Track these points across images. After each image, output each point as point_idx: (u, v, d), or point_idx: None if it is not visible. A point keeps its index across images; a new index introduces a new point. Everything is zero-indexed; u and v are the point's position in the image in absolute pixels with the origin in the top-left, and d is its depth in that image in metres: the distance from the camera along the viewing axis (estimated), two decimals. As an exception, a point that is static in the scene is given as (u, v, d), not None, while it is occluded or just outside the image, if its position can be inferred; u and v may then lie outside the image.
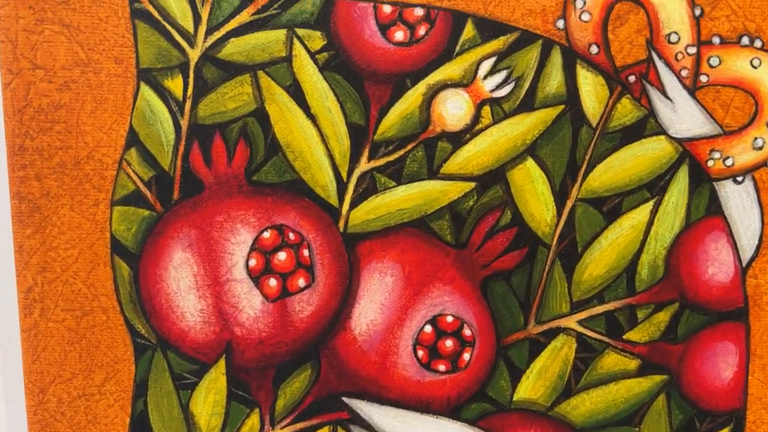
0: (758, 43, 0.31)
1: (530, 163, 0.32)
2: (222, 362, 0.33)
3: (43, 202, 0.32)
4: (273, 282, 0.32)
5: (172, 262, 0.32)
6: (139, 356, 0.33)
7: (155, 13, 0.31)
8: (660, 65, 0.31)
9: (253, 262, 0.32)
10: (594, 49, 0.31)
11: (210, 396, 0.33)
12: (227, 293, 0.32)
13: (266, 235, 0.32)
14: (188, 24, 0.31)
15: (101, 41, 0.31)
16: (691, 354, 0.33)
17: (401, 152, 0.32)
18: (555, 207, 0.32)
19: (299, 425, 0.33)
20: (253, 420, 0.33)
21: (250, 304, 0.32)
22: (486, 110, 0.31)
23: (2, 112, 0.32)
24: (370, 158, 0.32)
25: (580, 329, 0.33)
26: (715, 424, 0.33)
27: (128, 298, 0.33)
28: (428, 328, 0.33)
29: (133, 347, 0.33)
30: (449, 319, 0.32)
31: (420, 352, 0.33)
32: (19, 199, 0.32)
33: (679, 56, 0.31)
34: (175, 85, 0.32)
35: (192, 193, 0.32)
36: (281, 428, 0.33)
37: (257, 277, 0.32)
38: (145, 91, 0.32)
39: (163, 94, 0.31)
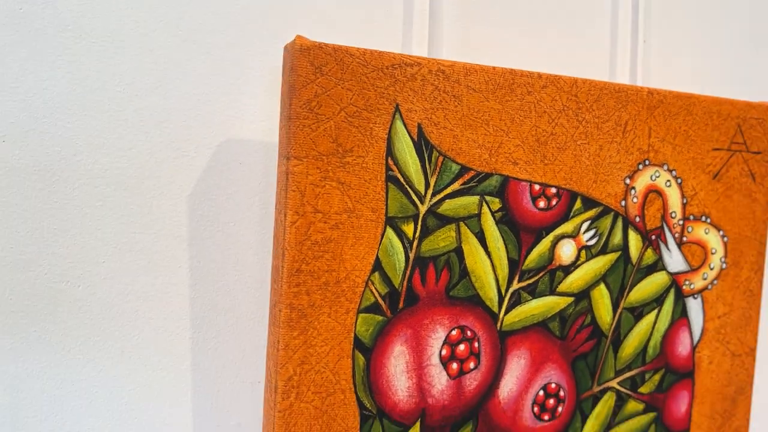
0: (708, 220, 0.55)
1: (602, 286, 0.51)
2: (417, 424, 0.46)
3: (309, 311, 0.42)
4: (455, 365, 0.47)
5: (393, 353, 0.45)
6: (363, 424, 0.44)
7: (401, 179, 0.44)
8: (666, 230, 0.53)
9: (444, 352, 0.46)
10: (637, 219, 0.52)
11: (407, 449, 0.46)
12: (426, 374, 0.46)
13: (454, 333, 0.46)
14: (421, 188, 0.45)
15: (364, 195, 0.43)
16: (669, 399, 0.55)
17: (536, 277, 0.49)
18: (613, 313, 0.52)
19: (461, 464, 0.48)
20: (433, 464, 0.47)
21: (439, 381, 0.46)
22: (583, 253, 0.50)
23: (287, 242, 0.41)
24: (519, 281, 0.48)
25: (618, 387, 0.53)
26: (676, 440, 0.56)
27: (361, 381, 0.44)
28: (541, 393, 0.50)
29: (360, 418, 0.44)
30: (553, 385, 0.50)
31: (535, 408, 0.50)
32: (290, 309, 0.42)
33: (675, 226, 0.53)
34: (408, 228, 0.44)
35: (411, 303, 0.45)
36: (450, 468, 0.47)
37: (445, 362, 0.46)
38: (389, 232, 0.44)
39: (401, 234, 0.44)
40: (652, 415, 0.54)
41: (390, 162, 0.44)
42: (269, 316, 0.43)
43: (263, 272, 0.47)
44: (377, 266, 0.44)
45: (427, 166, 0.45)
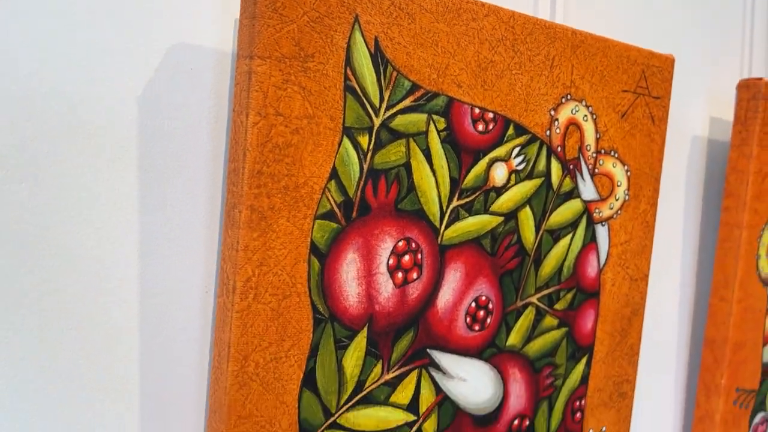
0: (616, 155, 0.61)
1: (527, 208, 0.55)
2: (365, 329, 0.48)
3: (268, 213, 0.43)
4: (400, 275, 0.49)
5: (346, 259, 0.46)
6: (315, 327, 0.46)
7: (358, 90, 0.45)
8: (582, 161, 0.58)
9: (391, 261, 0.48)
10: (559, 148, 0.57)
11: (355, 353, 0.48)
12: (374, 282, 0.48)
13: (400, 244, 0.49)
14: (376, 101, 0.46)
15: (323, 103, 0.44)
16: (578, 316, 0.61)
17: (473, 196, 0.52)
18: (535, 234, 0.56)
19: (402, 369, 0.50)
20: (377, 368, 0.49)
21: (386, 289, 0.48)
22: (513, 176, 0.54)
23: (248, 143, 0.42)
24: (458, 198, 0.51)
25: (538, 303, 0.58)
26: (582, 353, 0.62)
27: (315, 285, 0.45)
28: (473, 304, 0.53)
29: (313, 321, 0.45)
30: (483, 298, 0.54)
31: (468, 319, 0.53)
32: (251, 210, 0.42)
33: (590, 158, 0.59)
34: (363, 140, 0.46)
35: (364, 213, 0.47)
36: (392, 372, 0.50)
37: (392, 271, 0.48)
38: (346, 142, 0.45)
39: (356, 145, 0.46)
40: (564, 330, 0.60)
41: (348, 72, 0.45)
42: (225, 219, 0.43)
43: (216, 179, 0.47)
44: (334, 175, 0.45)
45: (382, 80, 0.46)
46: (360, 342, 0.48)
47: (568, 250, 0.59)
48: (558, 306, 0.59)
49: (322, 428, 0.47)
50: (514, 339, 0.57)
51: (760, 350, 0.80)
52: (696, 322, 0.80)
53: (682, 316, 0.78)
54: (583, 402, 0.62)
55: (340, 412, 0.48)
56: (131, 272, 0.44)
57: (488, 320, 0.55)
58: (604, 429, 0.65)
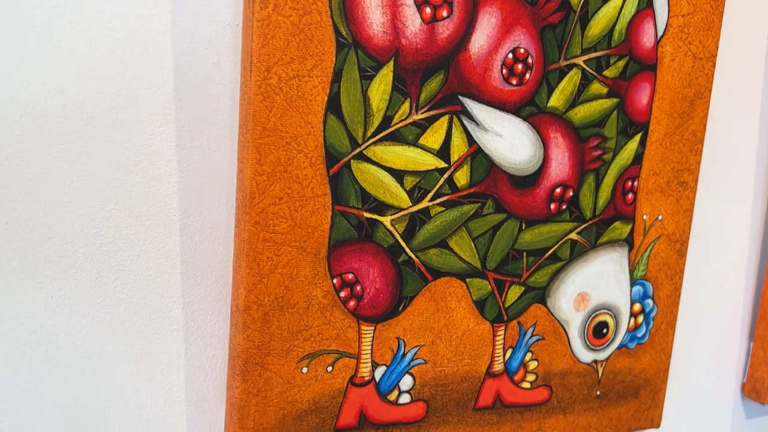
0: None
1: (573, -42, 0.52)
2: (391, 63, 0.48)
3: None
4: (428, 10, 0.48)
5: (369, -16, 0.46)
6: (339, 51, 0.46)
7: None
8: None
9: (418, -6, 0.47)
10: None
11: (381, 86, 0.48)
12: (400, 13, 0.47)
13: (428, -24, 0.48)
14: None
15: None
16: (631, 87, 0.57)
17: (510, -64, 0.50)
18: (582, -12, 0.53)
19: (432, 112, 0.50)
20: (405, 106, 0.49)
21: (413, 23, 0.48)
22: None
23: None
24: (493, -64, 0.49)
25: (584, 65, 0.55)
26: (636, 129, 0.59)
27: (337, 6, 0.45)
28: (510, 55, 0.52)
29: (336, 44, 0.46)
30: (522, 50, 0.52)
31: (504, 71, 0.52)
32: None
33: None
34: None
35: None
36: (421, 113, 0.50)
37: (419, 5, 0.48)
38: None
39: None
40: (614, 100, 0.57)
41: None
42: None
43: None
44: None
45: None
46: (386, 75, 0.48)
47: (619, 13, 0.55)
48: (608, 73, 0.56)
49: (349, 156, 0.48)
50: (556, 101, 0.55)
51: None
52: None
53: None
54: (635, 183, 0.60)
55: (367, 143, 0.48)
56: None
57: (527, 75, 0.53)
58: (660, 217, 0.62)
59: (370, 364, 0.52)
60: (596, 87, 0.56)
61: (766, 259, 0.75)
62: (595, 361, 0.62)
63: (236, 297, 0.47)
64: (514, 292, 0.56)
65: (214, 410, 0.51)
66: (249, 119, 0.45)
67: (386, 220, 0.50)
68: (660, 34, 0.58)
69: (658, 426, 0.67)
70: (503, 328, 0.57)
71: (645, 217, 0.61)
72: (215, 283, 0.50)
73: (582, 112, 0.56)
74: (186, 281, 0.49)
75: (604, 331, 0.61)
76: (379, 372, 0.52)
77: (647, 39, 0.57)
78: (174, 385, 0.49)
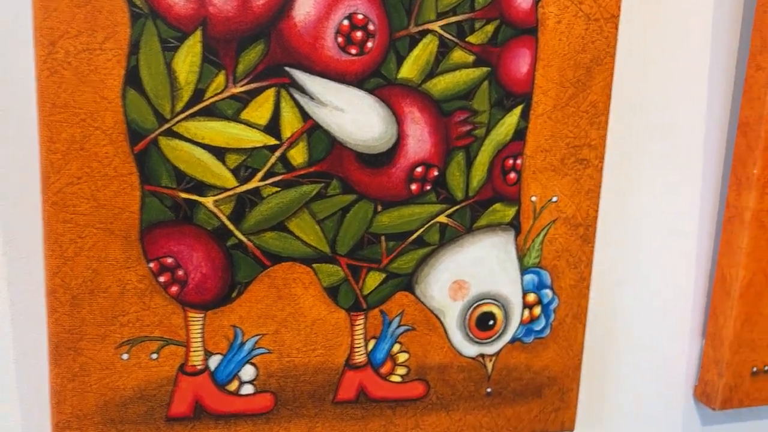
0: None
1: None
2: (198, 32, 0.45)
3: None
4: (239, -25, 0.45)
5: (164, -50, 0.43)
6: (134, 22, 0.44)
7: None
8: None
9: (225, -41, 0.44)
10: None
11: (188, 57, 0.45)
12: (205, -20, 0.44)
13: (236, -61, 0.44)
14: None
15: None
16: (504, 54, 0.52)
17: None
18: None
19: (253, 85, 0.47)
20: (220, 78, 0.46)
21: (222, -10, 0.45)
22: None
23: None
24: None
25: (441, 31, 0.50)
26: (515, 102, 0.53)
27: (128, -25, 0.43)
28: (345, 22, 0.48)
29: (130, 14, 0.44)
30: (360, 16, 0.48)
31: (339, 39, 0.48)
32: None
33: None
34: None
35: None
36: (240, 86, 0.47)
37: (228, -29, 0.45)
38: None
39: None
40: (484, 69, 0.52)
41: None
42: None
43: None
44: None
45: None
46: (193, 46, 0.45)
47: (484, -29, 0.50)
48: (473, 39, 0.51)
49: (156, 133, 0.46)
50: (408, 71, 0.50)
51: (821, 140, 0.63)
52: (734, 103, 0.65)
53: (713, 95, 0.64)
54: (518, 161, 0.54)
55: (177, 119, 0.46)
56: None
57: (369, 44, 0.48)
58: (555, 199, 0.56)
59: (202, 353, 0.50)
60: (459, 55, 0.51)
61: (717, 247, 0.66)
62: (482, 356, 0.57)
63: (45, 280, 0.46)
64: (373, 279, 0.52)
65: (43, 395, 0.50)
66: (37, 95, 0.43)
67: (208, 201, 0.48)
68: (540, -7, 0.52)
69: (571, 429, 0.61)
70: (363, 316, 0.53)
71: (534, 198, 0.55)
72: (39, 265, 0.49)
73: (443, 84, 0.51)
74: (11, 262, 0.48)
75: (491, 322, 0.56)
76: (214, 361, 0.50)
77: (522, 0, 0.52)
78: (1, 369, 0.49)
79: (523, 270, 0.56)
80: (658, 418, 0.69)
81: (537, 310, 0.57)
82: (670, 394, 0.69)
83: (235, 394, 0.51)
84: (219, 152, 0.47)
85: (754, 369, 0.66)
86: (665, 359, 0.68)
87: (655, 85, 0.61)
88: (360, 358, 0.53)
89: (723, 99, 0.64)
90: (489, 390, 0.57)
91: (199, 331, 0.49)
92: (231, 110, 0.47)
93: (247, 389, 0.51)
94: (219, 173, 0.47)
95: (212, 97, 0.46)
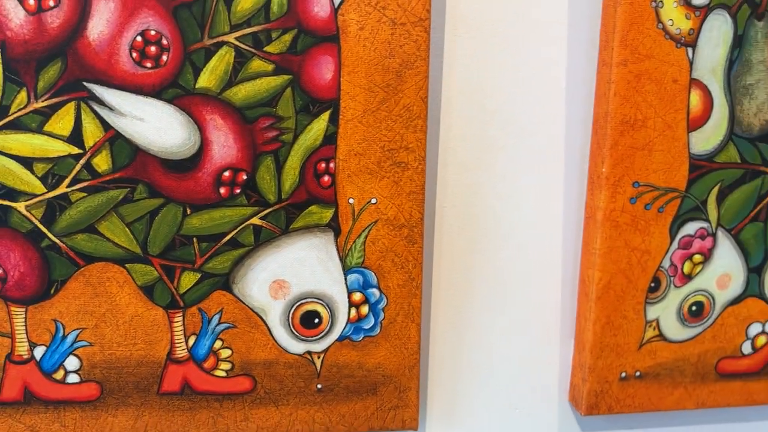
0: None
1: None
2: (-2, 55, 0.50)
3: None
4: (32, 1, 0.49)
5: (-41, -18, 0.49)
6: (-63, 48, 0.49)
7: None
8: None
9: (17, -13, 0.49)
10: None
11: (-10, 78, 0.50)
12: (2, 7, 0.49)
13: (26, -32, 0.49)
14: None
15: None
16: (306, 62, 0.54)
17: None
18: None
19: (54, 100, 0.51)
20: (22, 95, 0.51)
21: (17, 16, 0.50)
22: None
23: None
24: None
25: (237, 43, 0.53)
26: (322, 107, 0.55)
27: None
28: (139, 38, 0.51)
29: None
30: (153, 32, 0.51)
31: (134, 54, 0.51)
32: None
33: None
34: None
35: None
36: (42, 101, 0.51)
37: (21, -2, 0.49)
38: None
39: None
40: (286, 77, 0.54)
41: None
42: None
43: None
44: None
45: None
46: (-7, 67, 0.50)
47: (277, -16, 0.52)
48: (271, 48, 0.53)
49: (-35, 146, 0.51)
50: (206, 81, 0.53)
51: (682, 136, 0.61)
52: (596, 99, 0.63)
53: (573, 93, 0.62)
54: (331, 165, 0.56)
55: (-16, 133, 0.51)
56: None
57: (164, 57, 0.52)
58: (374, 201, 0.57)
59: (27, 344, 0.55)
60: (258, 64, 0.53)
61: (579, 247, 0.65)
62: (310, 353, 0.58)
63: None
64: (188, 279, 0.56)
65: None
66: None
67: (20, 206, 0.52)
68: (338, 1, 0.53)
69: (414, 428, 0.61)
70: (181, 314, 0.56)
71: (351, 201, 0.56)
72: None
73: (243, 92, 0.53)
74: None
75: (316, 320, 0.58)
76: (39, 351, 0.55)
77: (320, 8, 0.53)
78: None
79: (347, 270, 0.58)
80: (529, 424, 0.68)
81: (365, 309, 0.59)
82: (543, 399, 0.68)
83: (62, 382, 0.56)
84: (27, 162, 0.52)
85: (623, 374, 0.64)
86: (539, 363, 0.67)
87: (508, 85, 0.61)
88: (181, 353, 0.57)
89: (585, 97, 0.63)
90: (320, 386, 0.59)
91: (23, 324, 0.54)
92: (35, 123, 0.51)
93: (73, 378, 0.56)
94: (28, 181, 0.52)
95: (16, 112, 0.51)
